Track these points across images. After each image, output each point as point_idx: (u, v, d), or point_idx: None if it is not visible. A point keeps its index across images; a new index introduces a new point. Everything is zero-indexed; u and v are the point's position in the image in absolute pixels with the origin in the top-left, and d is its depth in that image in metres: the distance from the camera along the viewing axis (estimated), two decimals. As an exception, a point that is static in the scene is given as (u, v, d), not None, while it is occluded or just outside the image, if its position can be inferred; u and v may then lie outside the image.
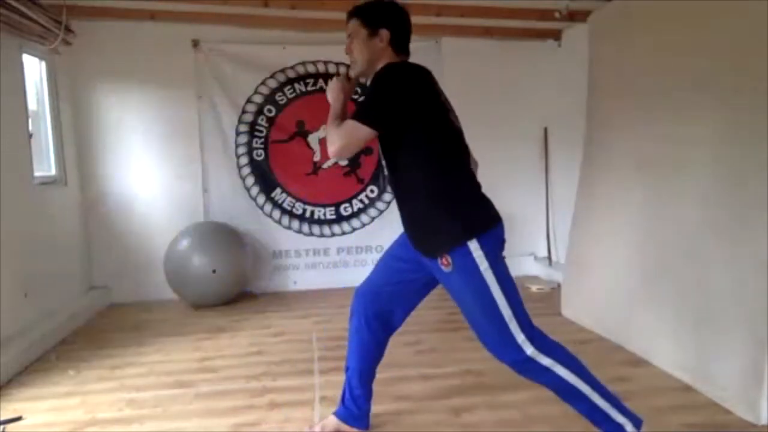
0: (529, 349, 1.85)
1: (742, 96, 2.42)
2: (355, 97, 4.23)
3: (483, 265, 1.82)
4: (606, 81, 3.55)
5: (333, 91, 2.03)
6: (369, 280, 2.21)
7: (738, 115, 2.44)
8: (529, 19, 4.13)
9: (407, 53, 2.07)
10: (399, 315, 2.20)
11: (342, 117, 1.97)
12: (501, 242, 1.92)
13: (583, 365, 1.93)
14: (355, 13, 2.03)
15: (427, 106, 1.89)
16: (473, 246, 1.82)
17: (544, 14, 3.98)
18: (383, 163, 2.08)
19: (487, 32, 4.49)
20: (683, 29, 2.81)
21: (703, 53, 2.66)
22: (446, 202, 1.89)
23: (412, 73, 1.91)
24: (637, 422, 1.92)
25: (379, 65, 1.98)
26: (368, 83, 2.00)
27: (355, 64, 2.05)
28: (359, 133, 1.85)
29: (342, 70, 4.55)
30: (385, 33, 1.98)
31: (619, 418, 1.89)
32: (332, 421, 2.25)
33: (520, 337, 1.85)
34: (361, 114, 1.86)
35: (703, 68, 2.66)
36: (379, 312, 2.16)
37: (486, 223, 1.88)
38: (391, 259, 2.18)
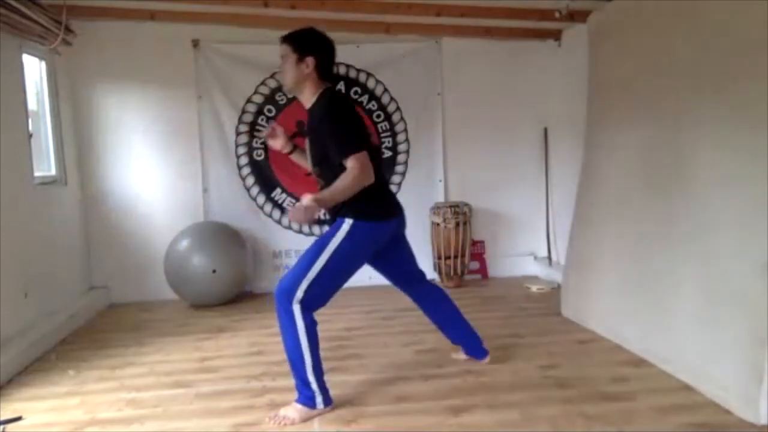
0: (296, 306, 2.31)
1: (742, 96, 2.41)
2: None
3: (339, 237, 2.35)
4: (606, 81, 3.55)
5: (307, 212, 2.23)
6: (391, 279, 2.78)
7: (738, 115, 2.43)
8: (529, 19, 4.13)
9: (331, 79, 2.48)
10: (408, 270, 2.75)
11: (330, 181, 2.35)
12: (385, 233, 2.46)
13: (316, 345, 2.38)
14: (285, 39, 2.42)
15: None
16: (348, 223, 2.36)
17: (544, 14, 3.98)
18: (309, 158, 2.54)
19: (487, 32, 4.49)
20: (683, 29, 2.81)
21: (703, 53, 2.66)
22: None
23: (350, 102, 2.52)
24: (328, 402, 2.43)
25: (306, 88, 2.41)
26: (308, 106, 2.44)
27: (284, 83, 2.48)
28: (364, 158, 2.27)
29: (342, 70, 4.55)
30: (311, 60, 2.36)
31: (317, 393, 2.39)
32: (461, 356, 2.92)
33: (299, 294, 2.30)
34: (352, 147, 2.26)
35: (702, 68, 2.66)
36: (405, 285, 2.77)
37: (368, 215, 2.38)
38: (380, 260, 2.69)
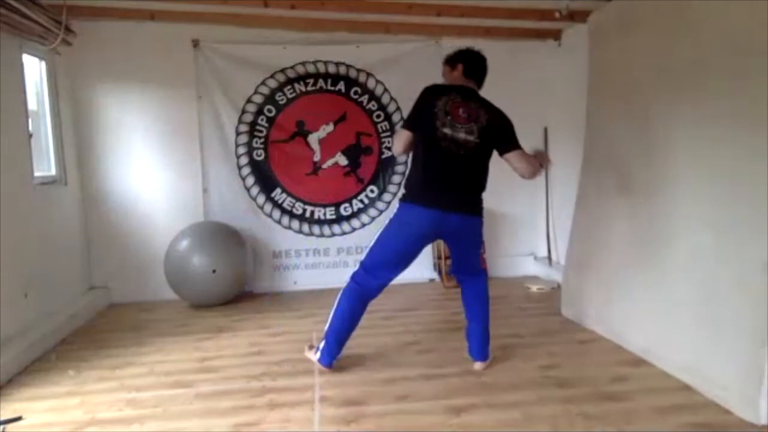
0: (354, 271, 2.86)
1: (741, 96, 2.41)
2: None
3: (391, 217, 2.78)
4: (606, 81, 3.55)
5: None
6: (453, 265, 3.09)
7: (738, 115, 2.43)
8: (529, 19, 4.13)
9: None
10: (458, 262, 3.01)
11: None
12: (413, 216, 2.69)
13: (348, 310, 2.80)
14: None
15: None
16: (398, 205, 2.78)
17: (544, 14, 3.98)
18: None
19: (488, 32, 4.49)
20: (683, 29, 2.81)
21: (703, 54, 2.66)
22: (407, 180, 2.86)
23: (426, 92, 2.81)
24: (324, 361, 2.82)
25: None
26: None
27: None
28: (400, 132, 2.87)
29: (342, 70, 4.55)
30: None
31: (323, 349, 2.82)
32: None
33: (361, 261, 2.85)
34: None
35: (702, 68, 2.66)
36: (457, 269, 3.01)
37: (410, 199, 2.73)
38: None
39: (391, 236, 2.75)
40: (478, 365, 2.88)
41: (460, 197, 2.70)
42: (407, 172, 2.88)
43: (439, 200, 2.65)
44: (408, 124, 2.75)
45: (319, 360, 2.83)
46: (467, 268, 2.94)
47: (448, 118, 2.63)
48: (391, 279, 2.81)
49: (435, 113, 2.64)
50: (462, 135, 2.64)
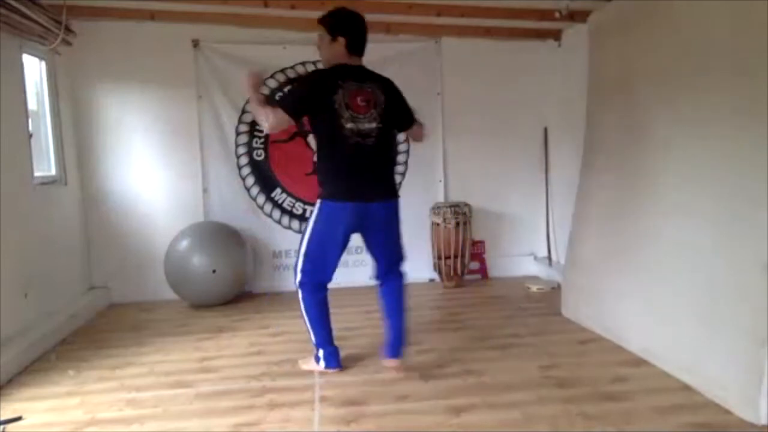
0: (297, 280, 2.78)
1: (741, 97, 2.42)
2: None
3: (314, 215, 2.70)
4: (606, 81, 3.55)
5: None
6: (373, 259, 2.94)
7: (739, 114, 2.43)
8: (529, 19, 4.13)
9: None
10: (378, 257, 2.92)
11: None
12: (340, 213, 2.64)
13: (316, 309, 2.80)
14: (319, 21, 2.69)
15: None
16: (320, 205, 2.70)
17: (544, 14, 3.98)
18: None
19: (488, 32, 4.49)
20: (683, 29, 2.81)
21: (703, 54, 2.66)
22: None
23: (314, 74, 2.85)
24: (335, 365, 2.85)
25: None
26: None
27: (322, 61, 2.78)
28: (276, 111, 2.64)
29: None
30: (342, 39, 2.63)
31: (324, 356, 2.84)
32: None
33: (298, 268, 2.76)
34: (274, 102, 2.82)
35: (703, 69, 2.66)
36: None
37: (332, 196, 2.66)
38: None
39: (324, 238, 2.69)
40: (389, 362, 2.83)
41: (378, 185, 2.72)
42: (318, 167, 2.75)
43: (361, 192, 2.65)
44: (291, 109, 2.58)
45: (327, 366, 2.84)
46: (392, 257, 2.86)
47: (350, 112, 2.58)
48: (332, 276, 2.79)
49: (335, 110, 2.56)
50: (366, 126, 2.61)
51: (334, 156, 2.65)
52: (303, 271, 2.74)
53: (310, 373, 2.86)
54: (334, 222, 2.67)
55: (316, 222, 2.69)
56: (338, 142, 2.60)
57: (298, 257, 2.76)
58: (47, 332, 3.36)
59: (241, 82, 2.70)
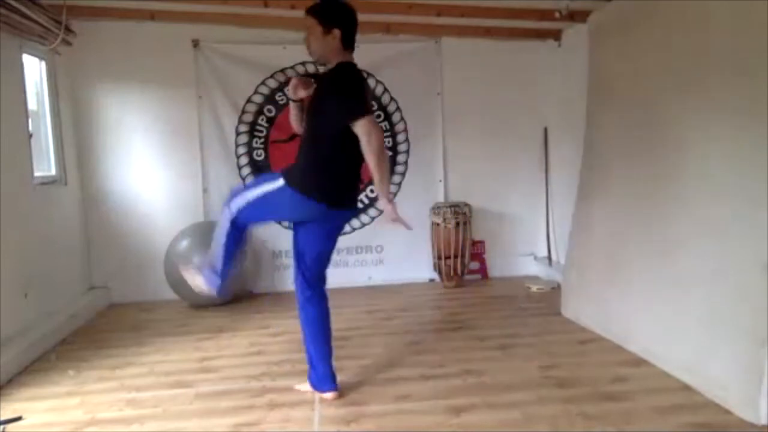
0: (229, 210, 2.63)
1: (742, 97, 2.42)
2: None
3: (281, 191, 2.50)
4: (606, 81, 3.55)
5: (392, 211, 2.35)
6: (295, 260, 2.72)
7: (739, 115, 2.43)
8: (529, 19, 4.13)
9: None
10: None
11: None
12: (311, 210, 2.47)
13: (228, 246, 2.70)
14: (310, 11, 2.40)
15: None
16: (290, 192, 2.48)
17: (544, 14, 3.98)
18: (304, 125, 2.67)
19: (487, 32, 4.49)
20: (683, 29, 2.81)
21: (703, 54, 2.66)
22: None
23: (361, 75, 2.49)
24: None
25: (333, 59, 2.41)
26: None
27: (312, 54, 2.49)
28: (374, 119, 2.32)
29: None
30: (337, 32, 2.35)
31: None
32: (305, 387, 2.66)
33: (235, 206, 2.58)
34: (360, 110, 2.25)
35: (703, 69, 2.66)
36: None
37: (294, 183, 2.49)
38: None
39: (277, 211, 2.67)
40: (328, 395, 2.54)
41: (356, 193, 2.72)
42: (322, 168, 2.51)
43: (337, 196, 2.54)
44: (368, 109, 2.34)
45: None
46: (323, 269, 2.66)
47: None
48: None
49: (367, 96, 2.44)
50: None
51: (343, 162, 2.44)
52: (240, 210, 2.54)
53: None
54: (297, 211, 2.54)
55: (280, 196, 2.48)
56: (349, 147, 2.35)
57: (238, 196, 2.55)
58: (47, 332, 3.36)
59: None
